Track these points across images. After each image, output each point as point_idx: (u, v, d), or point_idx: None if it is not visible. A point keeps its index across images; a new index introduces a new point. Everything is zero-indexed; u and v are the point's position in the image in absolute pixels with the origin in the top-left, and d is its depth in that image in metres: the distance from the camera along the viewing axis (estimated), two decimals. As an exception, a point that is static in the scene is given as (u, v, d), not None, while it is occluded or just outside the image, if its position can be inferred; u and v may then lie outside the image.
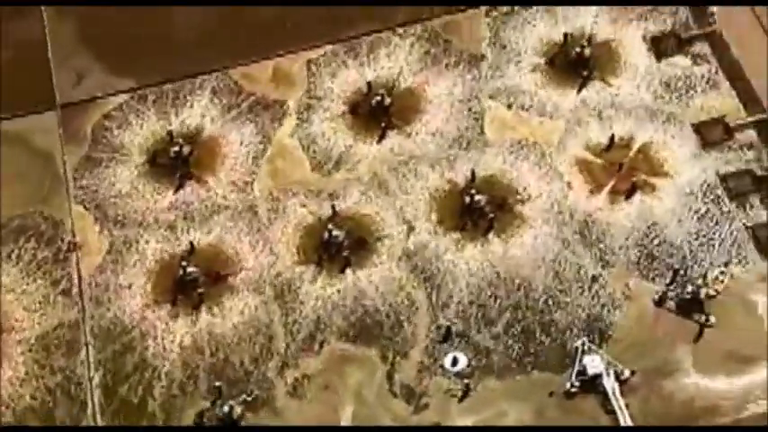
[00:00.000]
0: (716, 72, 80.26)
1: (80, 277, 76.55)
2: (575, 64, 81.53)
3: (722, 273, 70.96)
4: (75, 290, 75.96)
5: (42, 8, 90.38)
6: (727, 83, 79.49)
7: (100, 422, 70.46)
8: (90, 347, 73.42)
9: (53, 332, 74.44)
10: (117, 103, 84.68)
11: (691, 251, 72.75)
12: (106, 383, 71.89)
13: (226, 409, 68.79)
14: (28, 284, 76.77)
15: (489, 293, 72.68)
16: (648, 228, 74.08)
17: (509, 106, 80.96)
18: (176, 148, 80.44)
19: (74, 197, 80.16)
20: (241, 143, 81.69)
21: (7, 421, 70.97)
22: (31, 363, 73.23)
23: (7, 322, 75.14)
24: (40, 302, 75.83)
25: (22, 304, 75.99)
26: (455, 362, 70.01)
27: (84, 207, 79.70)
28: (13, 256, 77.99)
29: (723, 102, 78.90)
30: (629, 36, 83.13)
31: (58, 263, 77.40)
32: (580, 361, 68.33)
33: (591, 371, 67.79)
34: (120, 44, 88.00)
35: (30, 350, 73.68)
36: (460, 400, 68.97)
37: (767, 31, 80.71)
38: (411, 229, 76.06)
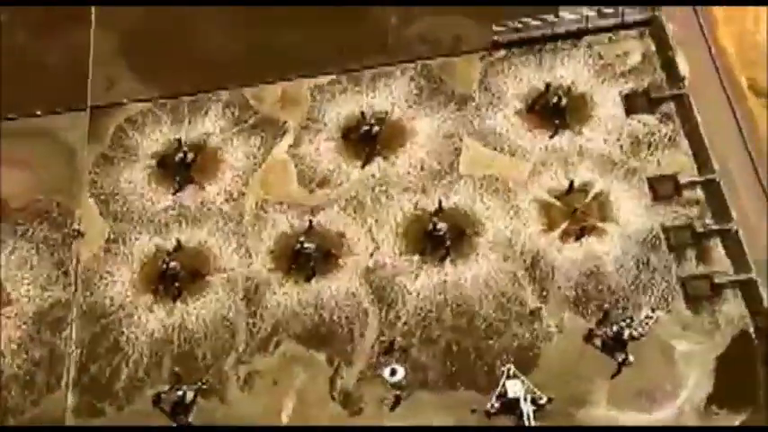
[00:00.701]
0: (678, 132, 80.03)
1: (78, 261, 79.23)
2: (551, 112, 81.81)
3: (649, 317, 71.20)
4: (72, 272, 78.80)
5: (93, 18, 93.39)
6: (686, 143, 79.24)
7: (70, 395, 72.76)
8: (74, 326, 76.02)
9: (49, 309, 77.23)
10: (139, 109, 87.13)
11: (624, 294, 72.62)
12: (81, 360, 74.32)
13: (180, 393, 70.98)
14: (36, 261, 79.80)
15: (435, 315, 73.35)
16: (590, 269, 74.06)
17: (485, 145, 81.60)
18: (181, 155, 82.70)
19: (86, 190, 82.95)
20: (241, 155, 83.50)
21: None
22: (24, 335, 76.15)
23: (14, 292, 78.35)
24: (43, 279, 78.73)
25: (28, 278, 79.03)
26: (393, 373, 70.76)
27: (93, 200, 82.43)
28: (27, 234, 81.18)
29: (679, 160, 78.46)
30: (606, 91, 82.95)
31: (63, 246, 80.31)
32: (503, 384, 69.13)
33: (511, 394, 68.49)
34: (151, 57, 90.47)
35: (25, 324, 76.56)
36: (392, 408, 70.05)
37: (731, 100, 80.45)
38: (377, 248, 77.21)
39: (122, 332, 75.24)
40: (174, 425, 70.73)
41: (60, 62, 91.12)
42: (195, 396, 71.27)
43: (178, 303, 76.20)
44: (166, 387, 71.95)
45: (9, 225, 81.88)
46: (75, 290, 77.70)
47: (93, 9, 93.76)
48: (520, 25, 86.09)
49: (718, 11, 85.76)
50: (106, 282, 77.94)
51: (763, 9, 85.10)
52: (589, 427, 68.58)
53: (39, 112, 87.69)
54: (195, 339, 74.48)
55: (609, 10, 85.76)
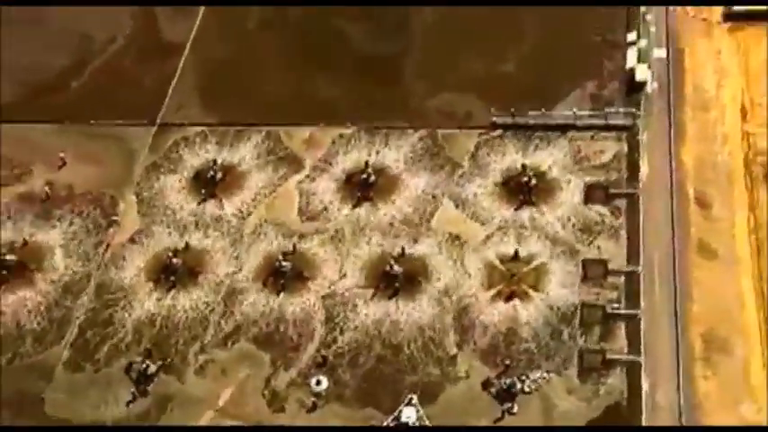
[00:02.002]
0: (622, 225, 79.15)
1: (108, 245, 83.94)
2: (521, 189, 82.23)
3: (543, 377, 71.32)
4: (101, 253, 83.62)
5: (186, 51, 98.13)
6: (625, 236, 78.65)
7: (65, 352, 77.14)
8: (87, 297, 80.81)
9: (77, 280, 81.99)
10: (195, 131, 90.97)
11: (529, 355, 72.61)
12: (81, 326, 78.84)
13: (145, 366, 74.81)
14: (81, 238, 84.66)
15: (367, 344, 74.85)
16: (508, 328, 74.33)
17: (458, 207, 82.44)
18: (212, 173, 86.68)
19: (132, 189, 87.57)
20: (260, 181, 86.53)
21: (8, 332, 79.34)
22: (51, 297, 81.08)
23: (59, 260, 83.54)
24: (81, 253, 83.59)
25: (71, 251, 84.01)
26: (318, 383, 72.80)
27: (135, 198, 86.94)
28: (82, 215, 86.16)
29: (615, 250, 77.91)
30: (574, 180, 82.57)
31: (103, 230, 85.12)
32: (400, 410, 70.44)
33: (404, 418, 69.87)
34: (218, 89, 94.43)
35: (56, 288, 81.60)
36: (308, 411, 72.10)
37: (674, 207, 79.24)
38: (342, 278, 79.24)
39: (118, 309, 79.23)
40: (133, 391, 74.49)
41: (150, 83, 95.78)
42: (157, 371, 74.74)
43: (170, 294, 79.68)
44: (138, 359, 75.85)
45: (70, 206, 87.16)
46: (98, 267, 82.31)
47: (188, 44, 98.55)
48: (515, 112, 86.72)
49: (693, 128, 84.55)
50: (122, 266, 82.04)
51: (735, 132, 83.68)
52: (590, 427, 69.15)
53: (119, 121, 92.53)
54: (173, 326, 77.64)
55: (597, 112, 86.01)
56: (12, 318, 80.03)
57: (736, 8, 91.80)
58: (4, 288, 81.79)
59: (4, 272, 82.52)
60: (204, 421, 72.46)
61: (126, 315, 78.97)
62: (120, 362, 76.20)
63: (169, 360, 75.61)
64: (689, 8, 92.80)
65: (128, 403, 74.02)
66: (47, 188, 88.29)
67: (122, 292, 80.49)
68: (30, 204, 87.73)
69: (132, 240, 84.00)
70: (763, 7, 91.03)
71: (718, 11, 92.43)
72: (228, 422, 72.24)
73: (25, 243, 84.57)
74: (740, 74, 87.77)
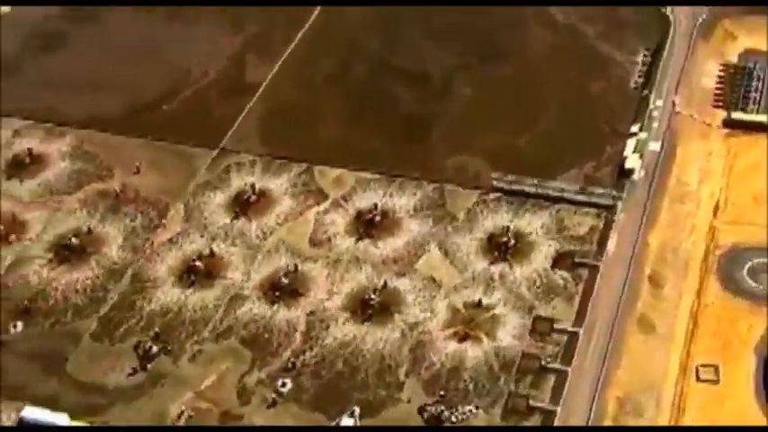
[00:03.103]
0: (578, 291, 79.16)
1: (152, 243, 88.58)
2: (499, 247, 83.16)
3: (471, 411, 72.13)
4: (146, 248, 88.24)
5: (258, 93, 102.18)
6: (578, 300, 78.49)
7: (94, 325, 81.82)
8: (124, 280, 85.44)
9: (123, 267, 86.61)
10: (247, 158, 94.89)
11: (465, 391, 73.51)
12: (112, 306, 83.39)
13: (149, 346, 79.12)
14: (137, 233, 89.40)
15: (331, 359, 76.97)
16: (454, 364, 75.33)
17: (442, 253, 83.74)
18: (247, 195, 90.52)
19: (183, 199, 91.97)
20: (287, 208, 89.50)
21: (56, 304, 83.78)
22: (102, 279, 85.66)
23: (117, 250, 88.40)
24: (131, 246, 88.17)
25: (119, 242, 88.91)
26: (283, 385, 75.54)
27: (183, 206, 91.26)
28: (144, 214, 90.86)
29: (567, 312, 77.87)
30: (548, 246, 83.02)
31: (153, 230, 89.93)
32: (341, 418, 72.53)
33: (342, 424, 72.19)
34: (276, 126, 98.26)
35: (106, 272, 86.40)
36: (268, 407, 74.58)
37: (628, 281, 78.81)
38: (328, 299, 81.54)
39: (142, 297, 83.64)
40: (136, 365, 78.54)
41: (223, 114, 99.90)
42: (158, 353, 78.92)
43: (188, 291, 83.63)
44: (146, 340, 79.99)
45: (134, 206, 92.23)
46: (139, 260, 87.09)
47: (263, 86, 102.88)
48: (513, 179, 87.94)
49: (666, 216, 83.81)
50: (157, 261, 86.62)
51: (704, 225, 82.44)
52: (590, 427, 70.12)
53: (190, 142, 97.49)
54: (182, 319, 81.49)
55: (585, 190, 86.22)
56: (63, 292, 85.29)
57: (735, 115, 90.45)
58: (63, 267, 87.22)
59: (67, 253, 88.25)
60: (185, 400, 75.66)
61: (146, 303, 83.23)
62: (132, 340, 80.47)
63: (171, 345, 79.48)
64: (694, 111, 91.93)
65: (129, 374, 78.16)
66: (119, 189, 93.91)
67: (150, 283, 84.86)
68: (104, 200, 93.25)
69: (171, 241, 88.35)
70: (762, 118, 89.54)
71: (720, 116, 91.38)
72: (203, 404, 75.37)
73: (89, 231, 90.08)
74: (723, 175, 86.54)
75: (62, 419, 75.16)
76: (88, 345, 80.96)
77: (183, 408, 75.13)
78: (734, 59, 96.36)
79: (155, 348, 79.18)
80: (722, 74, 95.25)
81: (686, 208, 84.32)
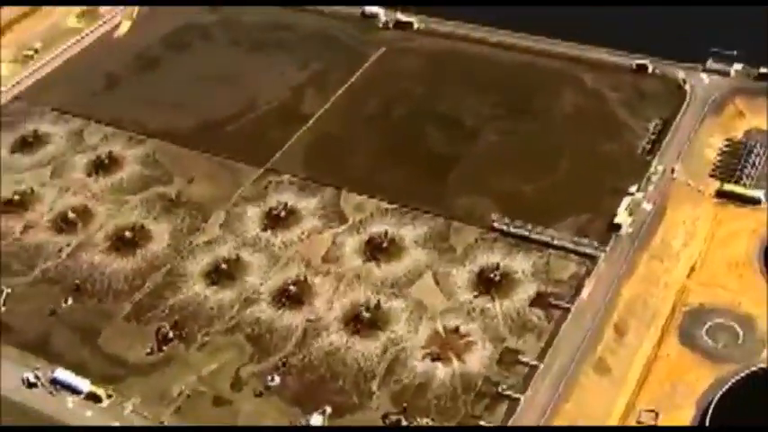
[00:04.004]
0: (548, 329, 79.17)
1: (191, 243, 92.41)
2: (486, 281, 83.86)
3: (427, 423, 73.16)
4: (185, 248, 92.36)
5: (309, 123, 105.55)
6: (546, 338, 78.52)
7: (126, 307, 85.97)
8: (160, 273, 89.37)
9: (162, 263, 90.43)
10: (287, 179, 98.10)
11: (427, 404, 74.48)
12: (145, 294, 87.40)
13: (167, 331, 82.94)
14: (183, 234, 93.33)
15: (316, 362, 79.10)
16: (422, 381, 76.38)
17: (435, 282, 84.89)
18: (276, 212, 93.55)
19: (225, 208, 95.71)
20: (309, 225, 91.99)
21: (102, 287, 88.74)
22: (143, 271, 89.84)
23: (163, 245, 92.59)
24: (174, 246, 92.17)
25: (165, 240, 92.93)
26: (272, 380, 78.06)
27: (224, 215, 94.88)
28: (184, 219, 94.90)
29: (533, 346, 78.01)
30: (530, 285, 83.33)
31: (193, 231, 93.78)
32: (312, 415, 74.67)
33: (312, 422, 74.29)
34: (318, 154, 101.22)
35: (145, 263, 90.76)
36: (256, 397, 77.16)
37: (594, 325, 78.54)
38: (328, 309, 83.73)
39: (170, 290, 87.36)
40: (154, 346, 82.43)
41: (274, 137, 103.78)
42: (174, 338, 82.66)
43: (210, 289, 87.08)
44: (166, 326, 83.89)
45: (184, 209, 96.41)
46: (176, 257, 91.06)
47: (314, 117, 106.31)
48: (508, 222, 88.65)
49: (643, 270, 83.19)
50: (191, 260, 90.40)
51: (677, 284, 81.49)
52: (590, 427, 71.16)
53: (241, 159, 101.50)
54: (200, 312, 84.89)
55: (574, 239, 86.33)
56: (108, 277, 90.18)
57: (727, 187, 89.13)
58: (114, 256, 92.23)
59: (120, 244, 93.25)
60: (187, 381, 79.04)
61: (172, 295, 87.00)
62: (154, 325, 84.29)
63: (185, 333, 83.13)
64: (690, 179, 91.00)
65: (147, 353, 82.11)
66: (174, 194, 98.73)
67: (180, 278, 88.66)
68: (161, 202, 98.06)
69: (208, 243, 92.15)
70: (752, 193, 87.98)
71: (714, 186, 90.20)
72: (201, 387, 78.55)
73: (142, 227, 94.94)
74: (705, 240, 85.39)
75: (84, 384, 79.91)
76: (119, 324, 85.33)
77: (184, 387, 78.59)
78: (739, 135, 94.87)
79: (171, 334, 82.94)
80: (725, 148, 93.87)
81: (664, 266, 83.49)
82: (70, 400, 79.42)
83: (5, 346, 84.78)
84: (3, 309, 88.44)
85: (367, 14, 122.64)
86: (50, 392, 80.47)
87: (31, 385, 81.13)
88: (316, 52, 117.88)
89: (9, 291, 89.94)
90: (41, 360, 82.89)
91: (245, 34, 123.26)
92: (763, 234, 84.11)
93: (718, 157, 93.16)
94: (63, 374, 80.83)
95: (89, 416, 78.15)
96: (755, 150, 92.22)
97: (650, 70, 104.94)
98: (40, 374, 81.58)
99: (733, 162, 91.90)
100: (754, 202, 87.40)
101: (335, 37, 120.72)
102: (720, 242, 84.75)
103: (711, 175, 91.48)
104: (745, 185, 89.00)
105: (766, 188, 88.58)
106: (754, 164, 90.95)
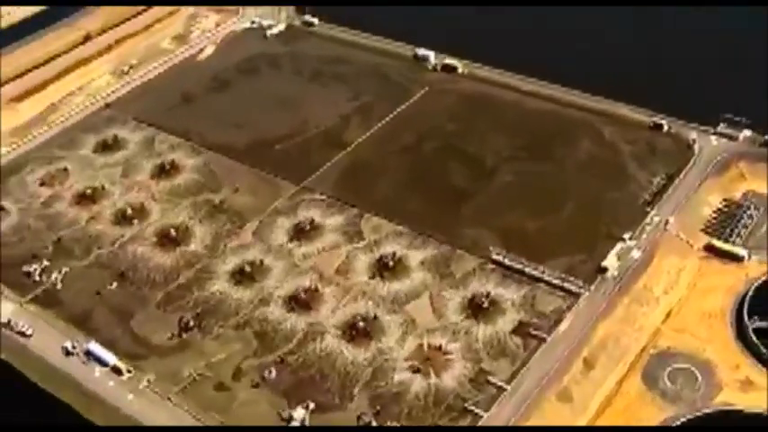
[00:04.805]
0: (522, 356, 79.91)
1: (226, 245, 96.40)
2: (475, 307, 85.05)
3: (395, 427, 74.87)
4: (220, 250, 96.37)
5: (349, 149, 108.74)
6: (519, 364, 79.22)
7: (160, 296, 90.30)
8: (193, 270, 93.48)
9: (197, 258, 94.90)
10: (318, 197, 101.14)
11: (400, 411, 76.35)
12: (177, 285, 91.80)
13: (188, 320, 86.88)
14: (222, 236, 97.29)
15: (311, 361, 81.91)
16: (399, 389, 78.22)
17: (430, 302, 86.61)
18: (303, 225, 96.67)
19: (259, 219, 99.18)
20: (329, 241, 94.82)
21: (140, 278, 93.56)
22: (178, 266, 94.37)
23: (191, 243, 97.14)
24: (210, 248, 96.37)
25: (203, 241, 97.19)
26: (269, 373, 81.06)
27: (258, 224, 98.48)
28: (225, 224, 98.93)
29: (506, 369, 79.04)
30: (515, 314, 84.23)
31: (230, 235, 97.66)
32: (296, 409, 77.20)
33: (295, 416, 76.84)
34: (351, 178, 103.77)
35: (183, 260, 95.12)
36: (252, 387, 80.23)
37: (563, 357, 78.76)
38: (331, 315, 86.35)
39: (198, 285, 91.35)
40: (175, 332, 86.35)
41: (314, 160, 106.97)
42: (194, 327, 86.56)
43: (234, 287, 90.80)
44: (189, 316, 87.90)
45: (226, 216, 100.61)
46: (210, 257, 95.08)
47: (353, 145, 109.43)
48: (505, 255, 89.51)
49: (621, 311, 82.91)
50: (222, 260, 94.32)
51: (651, 327, 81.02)
52: (589, 427, 72.94)
53: (281, 176, 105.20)
54: (220, 307, 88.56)
55: (562, 276, 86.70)
56: (149, 268, 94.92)
57: (715, 243, 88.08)
58: (157, 250, 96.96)
59: (165, 240, 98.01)
60: (197, 366, 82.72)
61: (199, 290, 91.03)
62: (178, 314, 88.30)
63: (204, 323, 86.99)
64: (682, 232, 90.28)
65: (168, 338, 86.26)
66: (219, 201, 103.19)
67: (209, 276, 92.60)
68: (207, 207, 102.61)
69: (240, 247, 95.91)
70: (737, 250, 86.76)
71: (703, 240, 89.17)
72: (207, 373, 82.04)
73: (186, 228, 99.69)
74: (686, 289, 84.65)
75: (111, 358, 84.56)
76: (151, 310, 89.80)
77: (193, 371, 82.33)
78: (737, 196, 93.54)
79: (192, 324, 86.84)
80: (721, 206, 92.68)
81: (642, 309, 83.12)
82: (97, 370, 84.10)
83: (56, 318, 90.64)
84: (60, 285, 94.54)
85: (419, 56, 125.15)
86: (83, 362, 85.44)
87: (68, 353, 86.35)
88: (367, 86, 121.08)
89: (67, 270, 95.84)
90: (80, 333, 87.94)
91: (308, 65, 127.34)
92: (740, 290, 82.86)
93: (713, 215, 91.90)
94: (95, 348, 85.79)
95: (110, 385, 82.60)
96: (749, 212, 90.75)
97: (665, 129, 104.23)
98: (77, 345, 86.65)
99: (726, 220, 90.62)
100: (738, 259, 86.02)
101: (387, 74, 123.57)
102: (699, 293, 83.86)
103: (703, 231, 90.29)
104: (732, 243, 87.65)
105: (753, 248, 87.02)
106: (745, 224, 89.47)
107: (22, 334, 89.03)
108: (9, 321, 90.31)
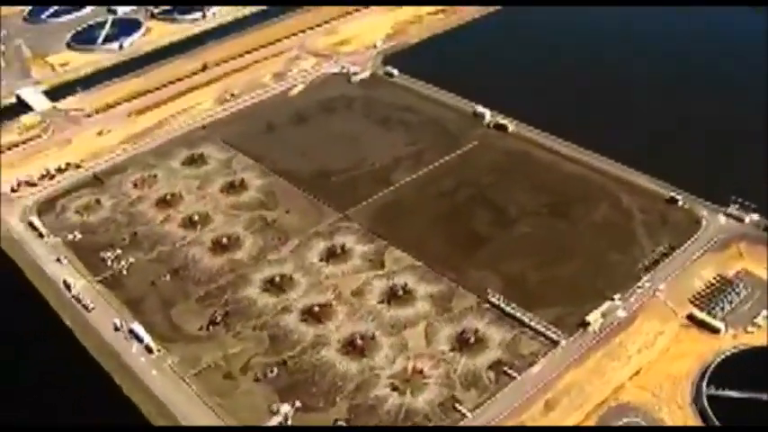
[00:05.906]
0: (492, 389, 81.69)
1: (266, 257, 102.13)
2: (462, 340, 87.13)
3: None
4: (260, 261, 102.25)
5: (395, 185, 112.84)
6: (486, 396, 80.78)
7: (200, 292, 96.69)
8: (233, 275, 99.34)
9: (239, 266, 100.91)
10: (354, 227, 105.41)
11: (371, 420, 79.47)
12: (216, 285, 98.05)
13: (217, 316, 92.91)
14: (261, 246, 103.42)
15: (306, 368, 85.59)
16: (374, 402, 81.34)
17: (425, 331, 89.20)
18: (334, 249, 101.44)
19: (298, 237, 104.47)
20: (352, 266, 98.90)
21: (189, 275, 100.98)
22: (222, 268, 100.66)
23: (238, 252, 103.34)
24: (253, 256, 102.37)
25: (249, 252, 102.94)
26: (271, 372, 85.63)
27: (298, 240, 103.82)
28: (272, 239, 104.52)
29: (475, 400, 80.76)
30: (493, 353, 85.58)
31: (271, 251, 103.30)
32: (282, 405, 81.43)
33: (281, 409, 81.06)
34: (386, 214, 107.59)
35: (228, 265, 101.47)
36: (254, 381, 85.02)
37: (526, 396, 79.68)
38: (337, 329, 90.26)
39: (233, 288, 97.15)
40: (204, 325, 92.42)
41: (362, 193, 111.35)
42: (219, 322, 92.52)
43: (262, 294, 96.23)
44: (219, 313, 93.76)
45: (274, 231, 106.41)
46: (251, 266, 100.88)
47: (397, 185, 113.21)
48: (501, 298, 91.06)
49: (592, 362, 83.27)
50: (260, 269, 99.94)
51: (618, 380, 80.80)
52: (588, 427, 76.07)
53: (327, 204, 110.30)
54: (246, 309, 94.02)
55: (545, 324, 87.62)
56: (199, 269, 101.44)
57: (697, 314, 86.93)
58: (209, 254, 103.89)
59: (218, 247, 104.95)
60: (215, 356, 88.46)
61: (233, 292, 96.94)
62: (211, 309, 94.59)
63: (221, 316, 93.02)
64: (669, 299, 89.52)
65: (198, 329, 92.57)
66: (271, 218, 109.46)
67: (245, 282, 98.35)
68: (260, 222, 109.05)
69: (277, 260, 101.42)
70: (715, 323, 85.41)
71: (687, 309, 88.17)
72: (221, 363, 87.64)
73: (238, 238, 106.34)
74: (659, 352, 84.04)
75: (147, 338, 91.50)
76: (190, 303, 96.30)
77: (210, 360, 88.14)
78: (730, 274, 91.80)
79: (219, 320, 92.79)
80: (714, 281, 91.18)
81: (612, 364, 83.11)
82: (135, 346, 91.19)
83: (115, 298, 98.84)
84: (125, 272, 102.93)
85: (477, 113, 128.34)
86: (125, 338, 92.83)
87: (116, 329, 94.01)
88: (426, 134, 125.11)
89: (133, 261, 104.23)
90: (130, 314, 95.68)
91: (379, 110, 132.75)
92: (708, 360, 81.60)
93: (704, 287, 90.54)
94: (137, 327, 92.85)
95: (142, 360, 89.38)
96: (737, 289, 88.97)
97: (680, 203, 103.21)
98: (123, 324, 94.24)
99: (714, 294, 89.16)
100: (715, 330, 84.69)
101: (446, 126, 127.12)
102: (671, 357, 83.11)
103: (691, 301, 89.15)
104: (713, 316, 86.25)
105: (731, 322, 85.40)
106: (731, 301, 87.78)
107: (86, 308, 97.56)
108: (78, 294, 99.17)
